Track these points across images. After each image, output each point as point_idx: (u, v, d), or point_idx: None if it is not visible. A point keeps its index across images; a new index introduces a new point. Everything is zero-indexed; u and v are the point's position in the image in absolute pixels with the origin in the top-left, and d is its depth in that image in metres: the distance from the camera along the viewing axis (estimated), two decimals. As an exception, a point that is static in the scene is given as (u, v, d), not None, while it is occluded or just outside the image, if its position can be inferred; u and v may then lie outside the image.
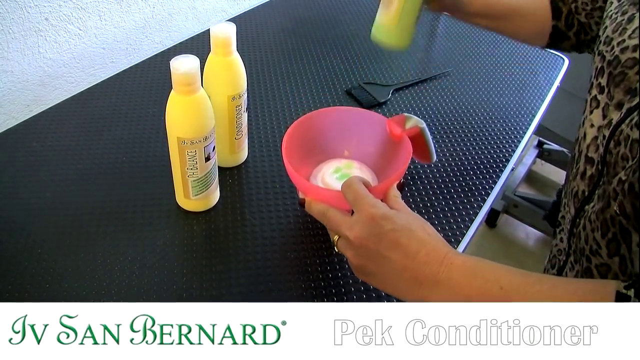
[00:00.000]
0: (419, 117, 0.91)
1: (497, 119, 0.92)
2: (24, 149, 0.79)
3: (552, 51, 1.12)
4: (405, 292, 0.50)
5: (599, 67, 0.57)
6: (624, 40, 0.54)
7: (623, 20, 0.55)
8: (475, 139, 0.87)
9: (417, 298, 0.49)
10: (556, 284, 0.46)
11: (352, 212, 0.53)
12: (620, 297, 0.42)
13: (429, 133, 0.69)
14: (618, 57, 0.53)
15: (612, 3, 0.60)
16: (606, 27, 0.58)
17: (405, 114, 0.68)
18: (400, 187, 0.57)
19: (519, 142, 0.87)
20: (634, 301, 0.41)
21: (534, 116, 0.94)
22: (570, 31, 0.75)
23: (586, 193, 0.57)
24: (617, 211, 0.47)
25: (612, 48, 0.55)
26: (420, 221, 0.52)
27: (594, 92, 0.57)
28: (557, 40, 0.77)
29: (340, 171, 0.69)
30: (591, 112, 0.57)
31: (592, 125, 0.57)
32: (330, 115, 0.70)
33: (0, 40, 0.86)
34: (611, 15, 0.58)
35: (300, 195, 0.61)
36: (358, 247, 0.51)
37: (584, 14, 0.73)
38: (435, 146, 0.75)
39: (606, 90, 0.55)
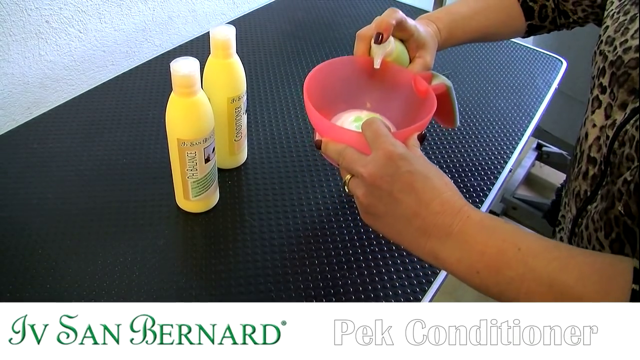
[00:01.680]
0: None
1: (495, 121, 0.92)
2: (24, 151, 0.79)
3: (550, 53, 1.12)
4: (412, 242, 0.48)
5: (600, 67, 0.57)
6: (626, 41, 0.53)
7: (625, 20, 0.55)
8: (473, 141, 0.87)
9: (423, 250, 0.47)
10: (574, 253, 0.44)
11: None
12: (638, 273, 0.41)
13: (454, 94, 0.65)
14: (621, 58, 0.53)
15: (612, 2, 0.60)
16: (607, 27, 0.58)
17: (433, 71, 0.65)
18: (421, 139, 0.54)
19: (517, 144, 0.88)
20: None
21: (531, 118, 0.94)
22: (545, 22, 0.76)
23: (588, 193, 0.57)
24: (622, 211, 0.47)
25: (615, 48, 0.55)
26: (438, 170, 0.49)
27: (596, 92, 0.57)
28: (532, 32, 0.78)
29: (360, 120, 0.64)
30: (593, 112, 0.57)
31: (594, 125, 0.57)
32: (355, 63, 0.65)
33: (1, 42, 0.86)
34: (612, 15, 0.58)
35: (317, 137, 0.57)
36: (370, 185, 0.48)
37: (571, 0, 0.73)
38: (460, 111, 0.70)
39: (608, 90, 0.55)
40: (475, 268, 0.45)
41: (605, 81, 0.55)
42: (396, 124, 0.65)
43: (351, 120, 0.64)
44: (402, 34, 0.64)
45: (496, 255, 0.44)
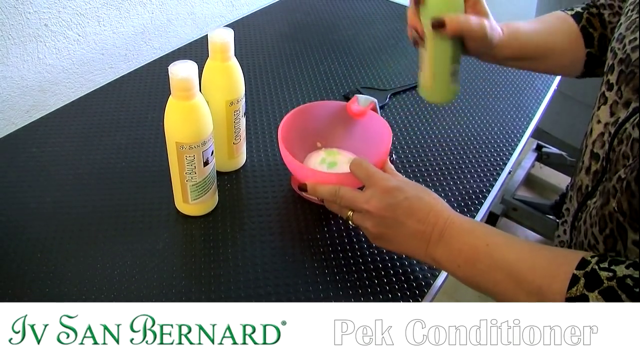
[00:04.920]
0: (417, 121, 0.91)
1: (494, 122, 0.92)
2: (24, 155, 0.79)
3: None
4: (417, 252, 0.57)
5: (609, 64, 0.57)
6: (635, 39, 0.53)
7: (637, 18, 0.55)
8: (472, 142, 0.87)
9: (425, 255, 0.56)
10: (534, 249, 0.51)
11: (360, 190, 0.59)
12: (582, 262, 0.46)
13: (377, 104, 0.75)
14: (629, 56, 0.53)
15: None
16: (621, 24, 0.58)
17: (357, 95, 0.75)
18: (390, 158, 0.63)
19: (517, 145, 0.88)
20: (593, 267, 0.45)
21: (531, 119, 0.94)
22: (604, 55, 0.72)
23: (589, 188, 0.57)
24: (615, 208, 0.48)
25: (624, 46, 0.55)
26: (423, 189, 0.59)
27: (603, 88, 0.57)
28: (592, 66, 0.73)
29: (325, 161, 0.74)
30: (599, 108, 0.58)
31: (598, 122, 0.57)
32: (303, 113, 0.75)
33: (-1, 46, 0.87)
34: (627, 12, 0.58)
35: (296, 184, 0.64)
36: (377, 217, 0.57)
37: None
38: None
39: (615, 87, 0.55)
40: (457, 263, 0.53)
41: (613, 78, 0.55)
42: (352, 147, 0.76)
43: (319, 163, 0.74)
44: None
45: (470, 251, 0.53)
